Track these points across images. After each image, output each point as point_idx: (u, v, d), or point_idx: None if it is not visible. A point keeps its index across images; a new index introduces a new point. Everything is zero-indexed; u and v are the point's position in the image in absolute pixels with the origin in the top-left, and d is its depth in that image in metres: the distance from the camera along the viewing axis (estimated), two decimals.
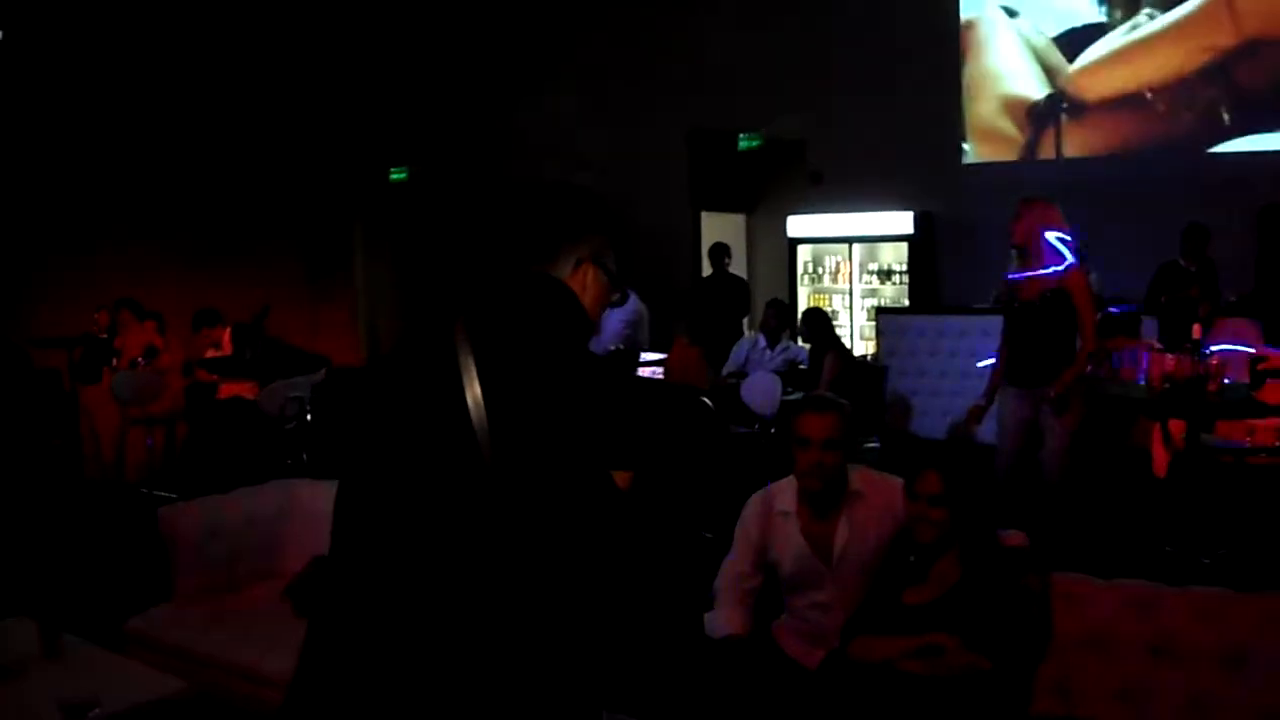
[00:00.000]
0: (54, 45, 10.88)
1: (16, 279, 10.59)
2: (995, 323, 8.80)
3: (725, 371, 8.35)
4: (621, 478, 2.00)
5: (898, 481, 3.44)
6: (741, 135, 12.15)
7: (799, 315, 11.73)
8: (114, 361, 8.76)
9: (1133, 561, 4.95)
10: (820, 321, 8.40)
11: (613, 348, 6.50)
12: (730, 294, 10.54)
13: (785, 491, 3.64)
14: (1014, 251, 5.81)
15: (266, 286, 11.30)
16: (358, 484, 1.90)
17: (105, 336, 9.14)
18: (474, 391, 1.79)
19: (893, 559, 3.32)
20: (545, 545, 1.76)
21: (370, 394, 1.98)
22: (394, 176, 13.84)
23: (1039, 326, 5.52)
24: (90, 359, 9.00)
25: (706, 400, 1.91)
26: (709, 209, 12.64)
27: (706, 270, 11.07)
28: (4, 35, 10.29)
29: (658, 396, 1.97)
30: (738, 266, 11.48)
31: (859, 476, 3.55)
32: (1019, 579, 3.09)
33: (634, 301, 6.70)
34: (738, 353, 8.57)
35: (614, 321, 6.65)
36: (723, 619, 3.61)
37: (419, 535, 1.79)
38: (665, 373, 2.00)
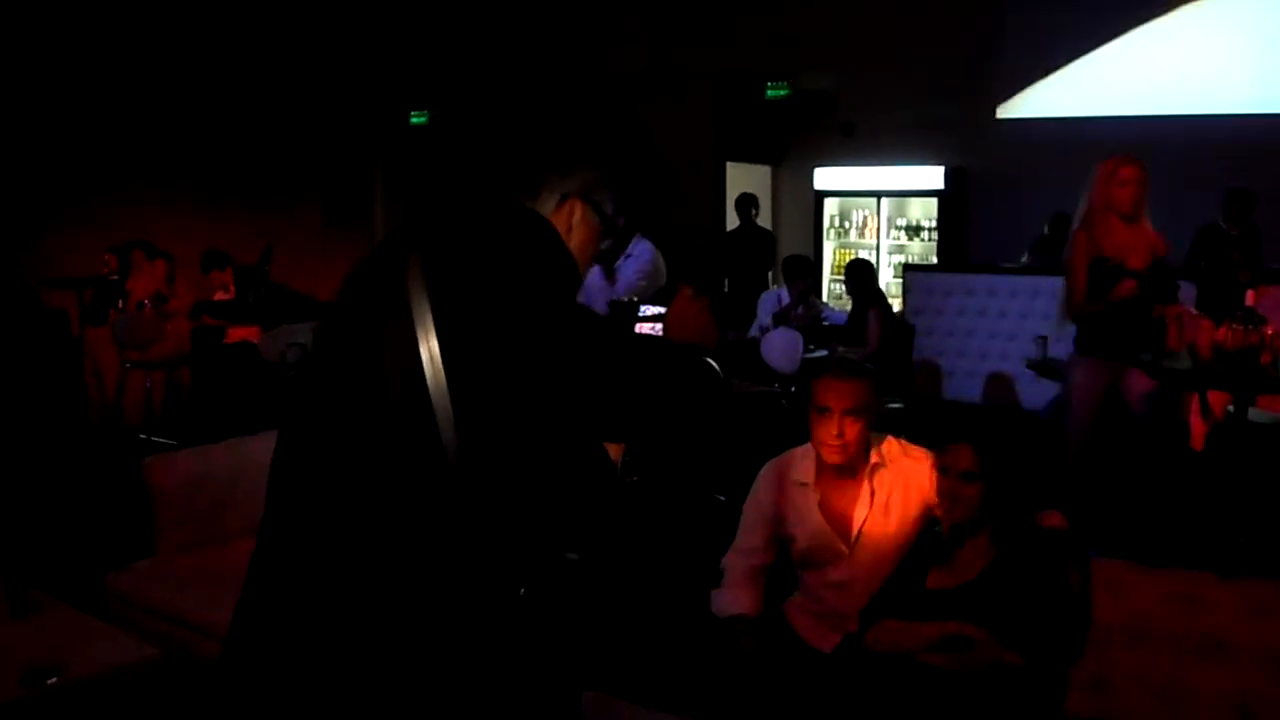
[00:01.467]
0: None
1: (29, 218, 10.41)
2: (1026, 282, 8.65)
3: (758, 328, 8.13)
4: (611, 450, 1.75)
5: (924, 454, 3.17)
6: (769, 84, 11.88)
7: (825, 268, 11.65)
8: (120, 304, 8.55)
9: (1176, 545, 4.71)
10: (864, 274, 8.15)
11: (625, 300, 6.24)
12: (756, 246, 10.29)
13: (802, 460, 3.35)
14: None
15: (283, 230, 11.12)
16: (290, 446, 1.66)
17: (115, 278, 8.96)
18: (430, 345, 1.52)
19: (918, 538, 3.05)
20: (510, 529, 1.51)
21: (318, 343, 1.73)
22: (414, 120, 13.59)
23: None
24: (100, 301, 8.83)
25: (711, 362, 1.63)
26: (734, 159, 12.36)
27: (732, 222, 10.82)
28: None
29: (652, 357, 1.72)
30: (763, 219, 11.21)
31: (884, 447, 3.26)
32: (1057, 565, 2.82)
33: (650, 251, 6.41)
34: (763, 309, 8.35)
35: (628, 272, 6.37)
36: (731, 598, 3.35)
37: (357, 509, 1.53)
38: (665, 327, 1.75)
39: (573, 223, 1.83)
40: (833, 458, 3.18)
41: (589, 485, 1.59)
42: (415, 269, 1.57)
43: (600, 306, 6.40)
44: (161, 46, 11.33)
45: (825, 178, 11.56)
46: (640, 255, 6.33)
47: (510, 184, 1.82)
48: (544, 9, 12.78)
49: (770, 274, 10.51)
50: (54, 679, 2.87)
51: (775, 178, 12.77)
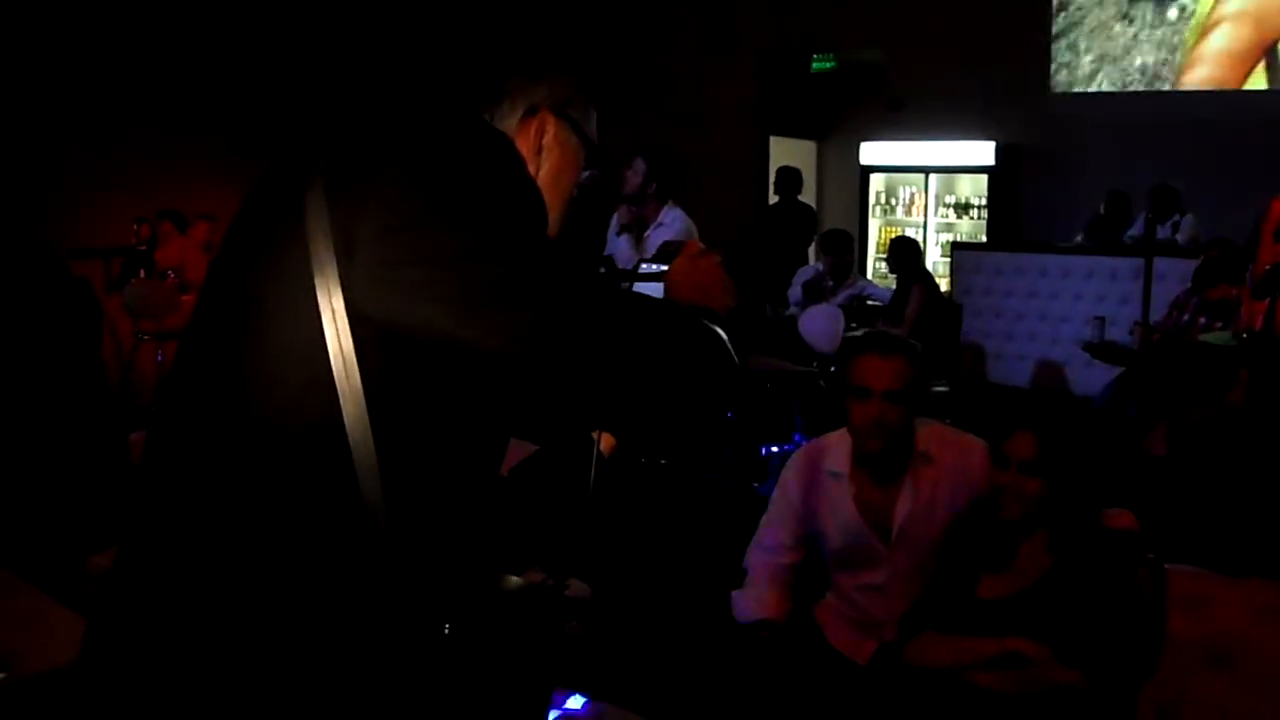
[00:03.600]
0: None
1: (60, 185, 10.25)
2: (1080, 262, 8.30)
3: (793, 299, 7.82)
4: (603, 441, 1.43)
5: (976, 442, 2.82)
6: (814, 56, 11.54)
7: (870, 246, 11.33)
8: (141, 274, 8.37)
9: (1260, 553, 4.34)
10: (909, 251, 7.86)
11: (655, 272, 5.92)
12: (797, 223, 9.95)
13: (837, 448, 2.99)
14: None
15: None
16: (159, 446, 1.31)
17: (144, 249, 8.80)
18: (335, 307, 1.13)
19: (966, 538, 2.69)
20: (434, 555, 1.17)
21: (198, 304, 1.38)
22: None
23: None
24: (127, 272, 8.68)
25: (719, 330, 1.29)
26: (778, 134, 12.01)
27: (773, 198, 10.50)
28: None
29: (643, 322, 1.33)
30: (806, 195, 10.88)
31: (929, 435, 2.90)
32: (1126, 572, 2.46)
33: (682, 220, 6.10)
34: (796, 282, 8.02)
35: (660, 239, 6.07)
36: (754, 601, 3.02)
37: (240, 530, 1.17)
38: (666, 287, 1.43)
39: (543, 143, 1.48)
40: (871, 445, 2.83)
41: (554, 496, 1.24)
42: (316, 198, 1.18)
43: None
44: (198, 14, 11.12)
45: (871, 153, 11.21)
46: (672, 224, 6.02)
47: (460, 83, 1.44)
48: None
49: (811, 251, 10.18)
50: (3, 675, 2.60)
51: (820, 153, 12.42)
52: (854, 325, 6.80)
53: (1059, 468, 2.47)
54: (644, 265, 5.83)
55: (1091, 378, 7.28)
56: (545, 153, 1.49)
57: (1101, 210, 9.02)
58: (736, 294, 1.68)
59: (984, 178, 10.63)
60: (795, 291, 7.97)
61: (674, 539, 5.02)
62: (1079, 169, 9.87)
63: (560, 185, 1.52)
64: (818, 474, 3.00)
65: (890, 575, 2.88)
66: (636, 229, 6.06)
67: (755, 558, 3.09)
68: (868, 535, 2.88)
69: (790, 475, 3.08)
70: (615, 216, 6.25)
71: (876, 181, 11.31)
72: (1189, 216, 8.49)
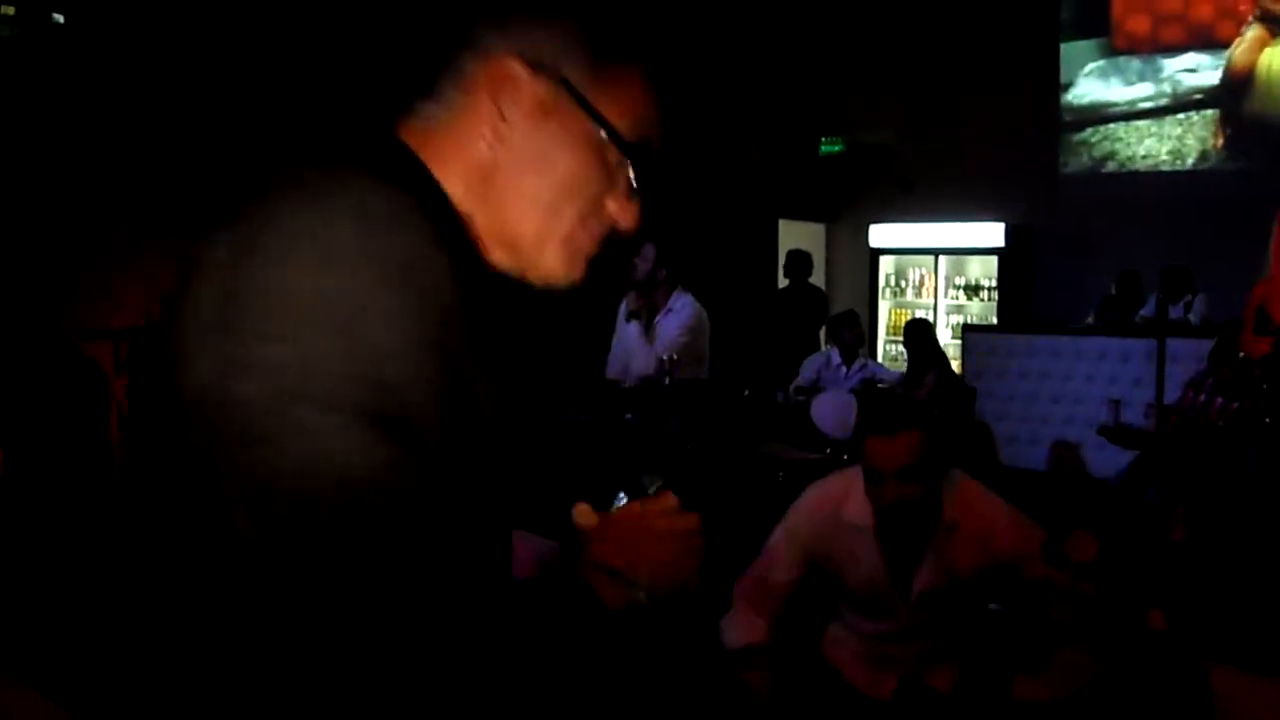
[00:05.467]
0: (109, 34, 10.57)
1: (71, 265, 10.27)
2: (1092, 344, 8.24)
3: (793, 389, 7.74)
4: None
5: (1003, 510, 2.77)
6: (823, 139, 11.60)
7: (880, 328, 11.29)
8: None
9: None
10: (923, 333, 7.83)
11: (664, 357, 5.90)
12: (808, 306, 9.93)
13: (857, 497, 2.88)
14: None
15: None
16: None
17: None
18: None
19: (1002, 637, 2.60)
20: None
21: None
22: None
23: None
24: (135, 354, 8.66)
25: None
26: (787, 217, 12.04)
27: (783, 281, 10.50)
28: (63, 19, 10.01)
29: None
30: (816, 278, 10.87)
31: (957, 500, 2.81)
32: (1175, 690, 2.34)
33: (692, 305, 6.09)
34: (807, 370, 7.95)
35: (669, 328, 6.05)
36: (744, 625, 2.99)
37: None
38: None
39: (504, 116, 1.05)
40: (892, 523, 2.77)
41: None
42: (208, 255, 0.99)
43: (640, 366, 6.08)
44: (201, 99, 11.22)
45: (881, 235, 11.22)
46: (681, 310, 6.01)
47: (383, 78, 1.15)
48: None
49: (821, 334, 10.15)
50: None
51: (829, 235, 12.44)
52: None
53: (1116, 572, 2.38)
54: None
55: (1107, 460, 7.19)
56: (507, 132, 1.05)
57: (1113, 291, 8.99)
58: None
59: (994, 259, 10.62)
60: (804, 379, 7.91)
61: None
62: (1089, 249, 9.87)
63: (544, 188, 1.08)
64: (836, 521, 2.92)
65: (909, 627, 2.84)
66: (646, 315, 6.05)
67: (748, 585, 3.04)
68: (889, 592, 2.82)
69: (802, 517, 3.01)
70: (624, 303, 6.24)
71: (886, 264, 11.30)
72: (1201, 296, 8.46)
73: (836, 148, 11.59)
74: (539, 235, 1.10)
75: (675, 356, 5.82)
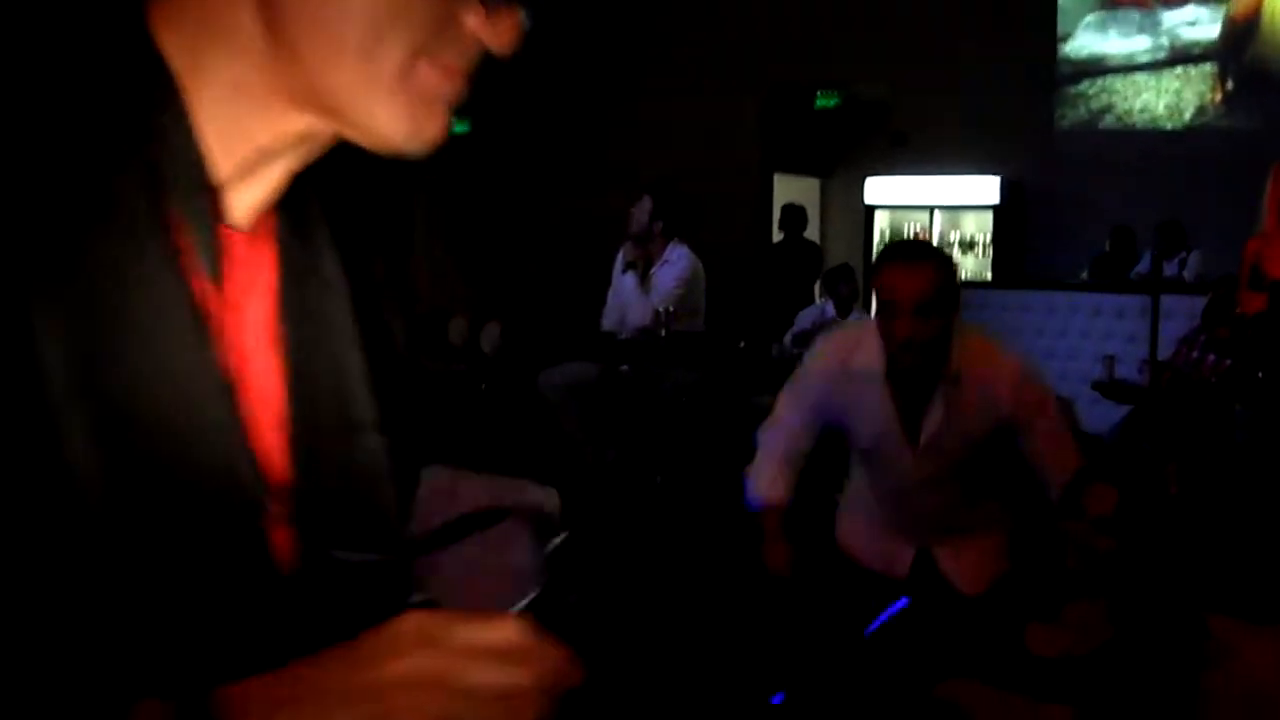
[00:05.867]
0: None
1: None
2: (1087, 300, 8.26)
3: (789, 338, 7.76)
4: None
5: (1008, 363, 2.83)
6: (819, 93, 11.55)
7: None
8: None
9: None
10: None
11: (660, 309, 5.91)
12: (803, 260, 9.95)
13: (868, 346, 2.90)
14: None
15: None
16: None
17: None
18: None
19: (1014, 584, 2.60)
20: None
21: None
22: (456, 129, 13.34)
23: None
24: None
25: None
26: (782, 171, 12.02)
27: (778, 235, 10.50)
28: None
29: None
30: (810, 233, 10.88)
31: (963, 352, 2.82)
32: (1190, 657, 2.35)
33: (688, 257, 6.10)
34: (803, 320, 7.97)
35: (664, 279, 6.06)
36: (765, 481, 3.09)
37: None
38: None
39: None
40: (904, 361, 2.76)
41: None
42: None
43: (636, 317, 6.09)
44: None
45: (876, 190, 11.20)
46: (677, 262, 6.02)
47: None
48: (587, 15, 12.52)
49: (816, 288, 10.18)
50: None
51: (824, 190, 12.43)
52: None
53: (1135, 532, 2.38)
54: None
55: (1100, 416, 7.22)
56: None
57: (1107, 247, 9.01)
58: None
59: (989, 215, 10.62)
60: (799, 327, 7.93)
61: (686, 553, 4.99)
62: (1085, 205, 9.86)
63: (353, 12, 0.76)
64: (846, 370, 2.95)
65: (917, 481, 2.90)
66: (642, 267, 6.06)
67: (769, 436, 3.12)
68: (899, 440, 2.88)
69: (817, 364, 3.07)
70: (620, 253, 6.25)
71: (881, 219, 11.28)
72: (1195, 253, 8.48)
73: (832, 102, 11.54)
74: (355, 84, 0.78)
75: (671, 308, 5.84)
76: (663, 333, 5.82)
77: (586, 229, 10.59)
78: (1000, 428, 2.85)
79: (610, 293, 6.31)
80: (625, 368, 6.09)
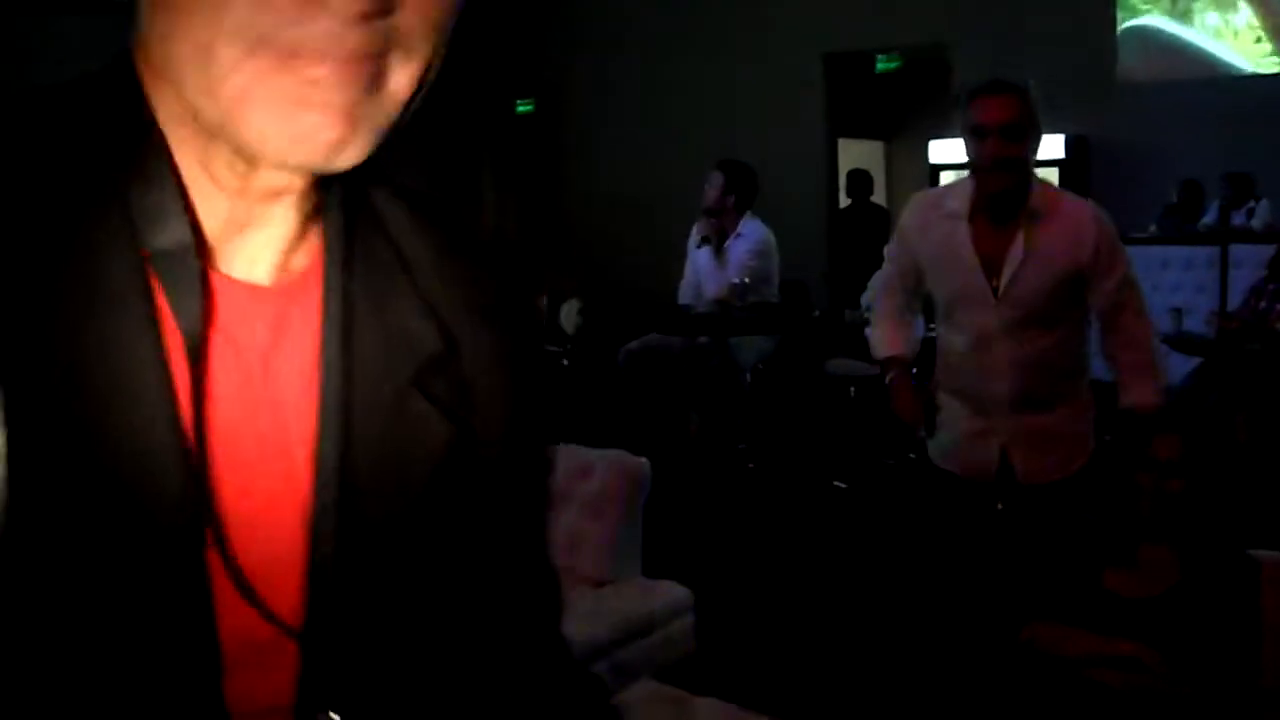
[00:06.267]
0: None
1: None
2: (1154, 253, 8.28)
3: (863, 304, 7.90)
4: None
5: (1086, 206, 3.09)
6: (879, 56, 11.59)
7: None
8: None
9: None
10: None
11: (737, 281, 6.10)
12: (871, 225, 10.04)
13: (958, 192, 3.21)
14: None
15: None
16: None
17: None
18: None
19: (1091, 531, 2.77)
20: None
21: None
22: (520, 108, 13.44)
23: None
24: None
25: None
26: (846, 135, 12.08)
27: (845, 200, 10.58)
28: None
29: None
30: (876, 196, 10.95)
31: (1042, 193, 3.11)
32: (1250, 595, 2.52)
33: (761, 230, 6.26)
34: (875, 284, 8.08)
35: (739, 252, 6.23)
36: (883, 338, 3.45)
37: None
38: None
39: None
40: (994, 183, 3.05)
41: None
42: None
43: (712, 290, 6.27)
44: None
45: (940, 151, 11.21)
46: (751, 235, 6.20)
47: None
48: None
49: (886, 252, 10.28)
50: None
51: (889, 153, 12.48)
52: (932, 326, 6.88)
53: (1200, 472, 2.57)
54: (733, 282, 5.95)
55: (1173, 368, 7.29)
56: None
57: (1174, 199, 9.01)
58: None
59: (1054, 170, 10.61)
60: (871, 294, 8.05)
61: (778, 534, 5.18)
62: (1150, 158, 9.85)
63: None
64: (935, 211, 3.26)
65: (1000, 328, 3.12)
66: (716, 240, 6.24)
67: (878, 298, 3.54)
68: (981, 278, 3.11)
69: (909, 218, 3.37)
70: (695, 228, 6.43)
71: (946, 180, 11.30)
72: (1264, 202, 8.48)
73: (893, 65, 11.58)
74: (206, 93, 0.69)
75: (746, 280, 6.02)
76: (739, 304, 6.00)
77: (655, 202, 10.75)
78: (1076, 277, 3.07)
79: (686, 267, 6.49)
80: (704, 339, 6.28)
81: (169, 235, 0.72)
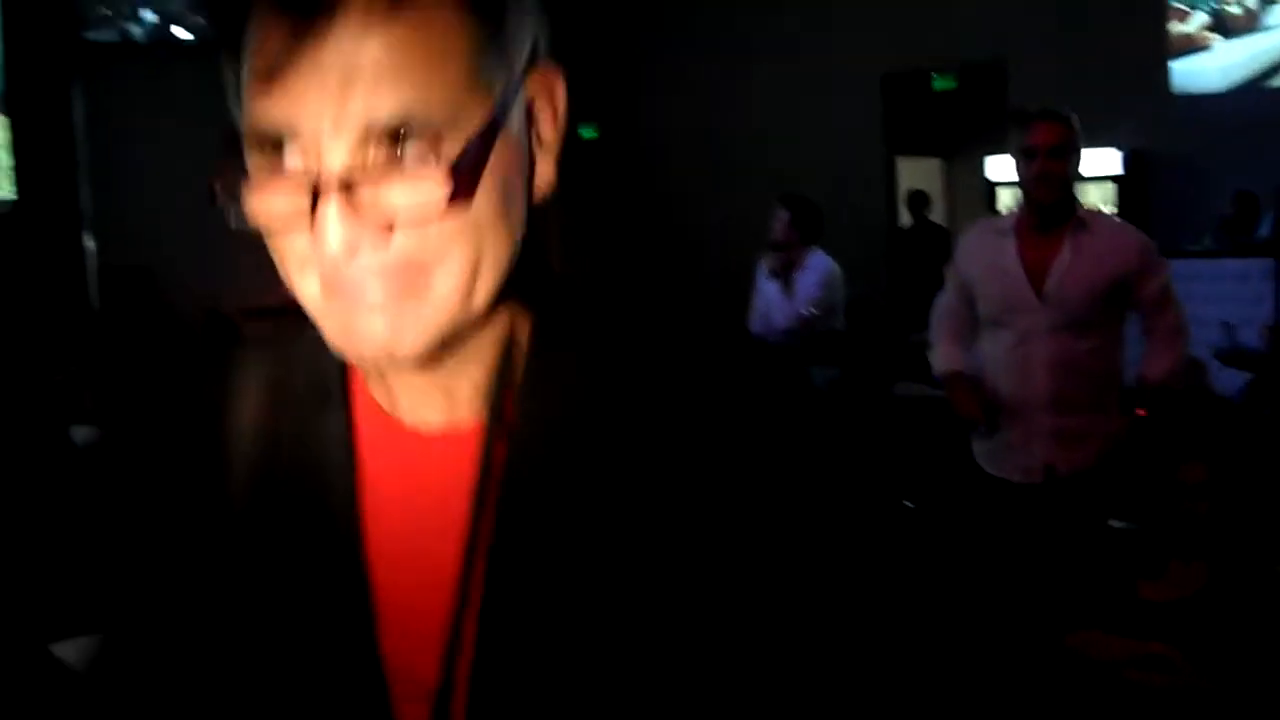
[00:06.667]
0: None
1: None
2: (1208, 266, 8.38)
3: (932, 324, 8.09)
4: None
5: (1131, 228, 3.63)
6: (935, 74, 11.76)
7: None
8: None
9: None
10: None
11: (804, 313, 6.41)
12: (930, 244, 10.22)
13: (1009, 216, 3.82)
14: None
15: None
16: None
17: None
18: None
19: (1126, 548, 3.09)
20: None
21: None
22: (583, 134, 13.63)
23: None
24: None
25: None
26: (903, 154, 12.26)
27: (905, 220, 10.73)
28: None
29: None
30: (936, 214, 11.11)
31: (1088, 212, 3.64)
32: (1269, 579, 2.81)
33: (827, 262, 6.57)
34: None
35: (806, 283, 6.53)
36: (942, 355, 3.88)
37: None
38: None
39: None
40: (1040, 195, 3.52)
41: None
42: None
43: (780, 321, 6.56)
44: None
45: (997, 167, 11.35)
46: (817, 267, 6.49)
47: None
48: (702, 14, 12.74)
49: (946, 271, 10.45)
50: None
51: (946, 171, 12.60)
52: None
53: (1228, 492, 2.83)
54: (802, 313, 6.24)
55: (1229, 379, 7.43)
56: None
57: (1229, 212, 9.11)
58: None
59: (1110, 185, 10.71)
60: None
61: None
62: (1206, 171, 9.90)
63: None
64: (987, 235, 3.76)
65: (1040, 327, 3.53)
66: (784, 273, 6.55)
67: (938, 319, 3.95)
68: (1024, 283, 3.54)
69: (963, 242, 3.91)
70: (762, 263, 6.74)
71: (1004, 196, 11.40)
72: None
73: (950, 84, 11.72)
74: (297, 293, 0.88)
75: (814, 311, 6.32)
76: (807, 333, 6.31)
77: (718, 227, 10.95)
78: (1120, 283, 3.49)
79: (755, 298, 6.79)
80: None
81: (324, 390, 0.95)
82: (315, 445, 0.92)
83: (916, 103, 12.02)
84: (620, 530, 0.87)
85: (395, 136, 0.78)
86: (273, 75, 0.77)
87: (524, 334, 0.92)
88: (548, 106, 0.90)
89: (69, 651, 3.17)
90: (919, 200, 10.26)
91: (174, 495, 0.93)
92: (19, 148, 8.46)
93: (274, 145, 0.80)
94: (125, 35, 9.12)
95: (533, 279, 0.91)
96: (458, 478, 0.88)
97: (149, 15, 8.93)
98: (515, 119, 0.85)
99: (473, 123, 0.80)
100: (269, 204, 0.80)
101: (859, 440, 6.42)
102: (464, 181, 0.78)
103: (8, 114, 8.46)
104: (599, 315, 0.97)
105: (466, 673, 0.87)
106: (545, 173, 0.91)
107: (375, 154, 0.78)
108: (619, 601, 0.86)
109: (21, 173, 8.57)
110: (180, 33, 9.16)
